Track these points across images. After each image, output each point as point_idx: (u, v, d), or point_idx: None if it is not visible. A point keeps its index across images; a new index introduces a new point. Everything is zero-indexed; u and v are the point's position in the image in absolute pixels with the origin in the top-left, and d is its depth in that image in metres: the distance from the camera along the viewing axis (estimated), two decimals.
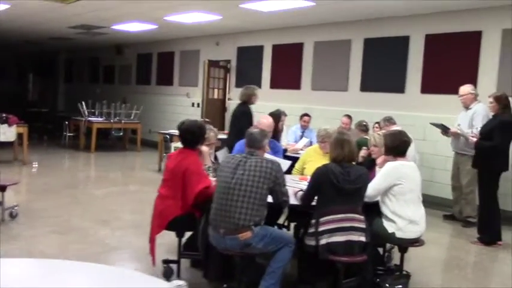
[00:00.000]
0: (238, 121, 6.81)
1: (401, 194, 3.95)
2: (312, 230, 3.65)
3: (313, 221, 3.66)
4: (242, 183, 3.54)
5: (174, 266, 4.21)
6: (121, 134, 12.58)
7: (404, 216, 3.94)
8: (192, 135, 4.10)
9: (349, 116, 8.15)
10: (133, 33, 12.43)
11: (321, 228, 3.59)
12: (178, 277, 4.22)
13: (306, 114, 8.51)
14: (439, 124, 6.80)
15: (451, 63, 7.67)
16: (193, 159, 4.00)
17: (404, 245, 4.10)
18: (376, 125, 7.59)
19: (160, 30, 11.80)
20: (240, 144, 5.23)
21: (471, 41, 7.43)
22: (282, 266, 3.62)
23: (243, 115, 6.85)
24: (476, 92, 6.60)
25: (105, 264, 4.08)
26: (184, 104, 12.96)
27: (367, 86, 8.87)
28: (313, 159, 5.22)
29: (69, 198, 7.07)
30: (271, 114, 7.82)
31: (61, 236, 5.21)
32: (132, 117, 12.72)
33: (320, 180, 3.65)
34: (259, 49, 10.90)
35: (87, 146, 12.04)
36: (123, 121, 12.41)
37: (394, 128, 7.13)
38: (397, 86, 8.37)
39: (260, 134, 3.78)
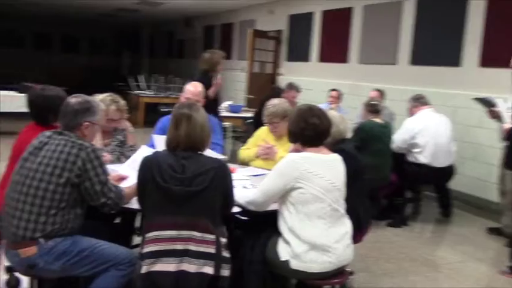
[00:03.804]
0: None
1: (303, 204, 2.58)
2: (138, 250, 2.47)
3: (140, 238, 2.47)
4: (29, 175, 2.44)
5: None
6: (170, 109, 11.93)
7: (304, 237, 2.57)
8: (40, 104, 3.08)
9: (379, 91, 6.53)
10: (199, 4, 11.81)
11: (145, 250, 2.38)
12: None
13: (334, 89, 7.02)
14: (482, 99, 5.06)
15: None
16: None
17: (306, 281, 2.72)
18: None
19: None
20: (163, 121, 4.09)
21: None
22: None
23: None
24: None
25: None
26: (241, 79, 11.90)
27: (417, 58, 7.14)
28: (265, 143, 3.94)
29: None
30: (272, 88, 6.58)
31: None
32: None
33: (143, 176, 2.42)
34: (309, 16, 9.48)
35: (138, 121, 11.58)
36: (173, 96, 11.71)
37: (425, 110, 5.51)
38: (452, 57, 6.56)
39: (76, 106, 2.57)
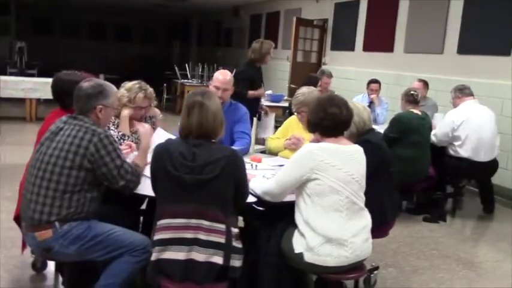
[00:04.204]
0: None
1: (319, 195, 2.51)
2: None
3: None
4: (43, 160, 2.49)
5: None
6: None
7: (319, 229, 2.50)
8: (58, 89, 3.15)
9: (423, 81, 6.29)
10: None
11: (156, 237, 2.39)
12: (59, 272, 3.35)
13: (375, 81, 6.81)
14: None
15: None
16: None
17: (320, 274, 2.66)
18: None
19: None
20: None
21: None
22: (115, 285, 2.50)
23: None
24: None
25: None
26: (285, 68, 11.80)
27: (465, 47, 6.83)
28: (295, 131, 3.87)
29: None
30: (308, 77, 6.48)
31: None
32: None
33: (154, 164, 2.42)
34: (355, 4, 9.26)
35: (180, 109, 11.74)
36: None
37: (468, 101, 5.27)
38: (502, 46, 6.23)
39: (89, 90, 2.59)
